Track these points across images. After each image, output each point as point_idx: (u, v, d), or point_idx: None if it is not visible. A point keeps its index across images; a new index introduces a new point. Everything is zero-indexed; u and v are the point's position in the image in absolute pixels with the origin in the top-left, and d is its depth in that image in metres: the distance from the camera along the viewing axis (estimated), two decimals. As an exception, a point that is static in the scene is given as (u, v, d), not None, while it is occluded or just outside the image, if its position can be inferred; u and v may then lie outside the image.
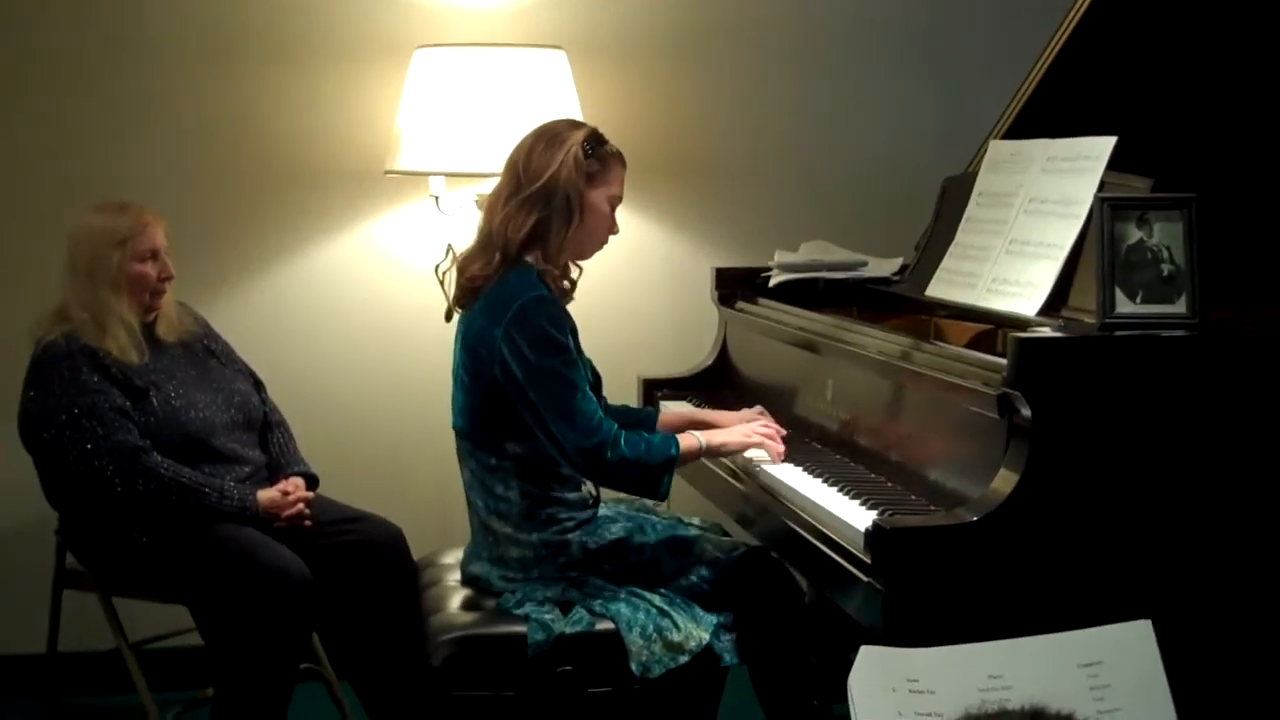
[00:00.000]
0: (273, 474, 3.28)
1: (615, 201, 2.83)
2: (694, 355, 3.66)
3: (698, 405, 3.33)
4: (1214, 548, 2.28)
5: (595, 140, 2.79)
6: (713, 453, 2.85)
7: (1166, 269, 2.36)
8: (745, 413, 3.05)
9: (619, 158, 2.83)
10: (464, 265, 2.81)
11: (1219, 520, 2.28)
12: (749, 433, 2.86)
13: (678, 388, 3.52)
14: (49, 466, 3.14)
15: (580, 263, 2.89)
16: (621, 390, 3.33)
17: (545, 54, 3.66)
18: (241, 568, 2.98)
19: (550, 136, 2.78)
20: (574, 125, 2.84)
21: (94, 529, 3.14)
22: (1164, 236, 2.37)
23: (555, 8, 3.93)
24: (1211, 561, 2.28)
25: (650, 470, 2.71)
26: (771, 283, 3.40)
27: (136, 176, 3.78)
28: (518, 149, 2.81)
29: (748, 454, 2.87)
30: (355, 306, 3.94)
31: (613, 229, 2.86)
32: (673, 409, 3.20)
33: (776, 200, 4.06)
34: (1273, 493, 2.29)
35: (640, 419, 3.06)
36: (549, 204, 2.74)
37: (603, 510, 2.90)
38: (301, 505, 3.17)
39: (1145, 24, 3.00)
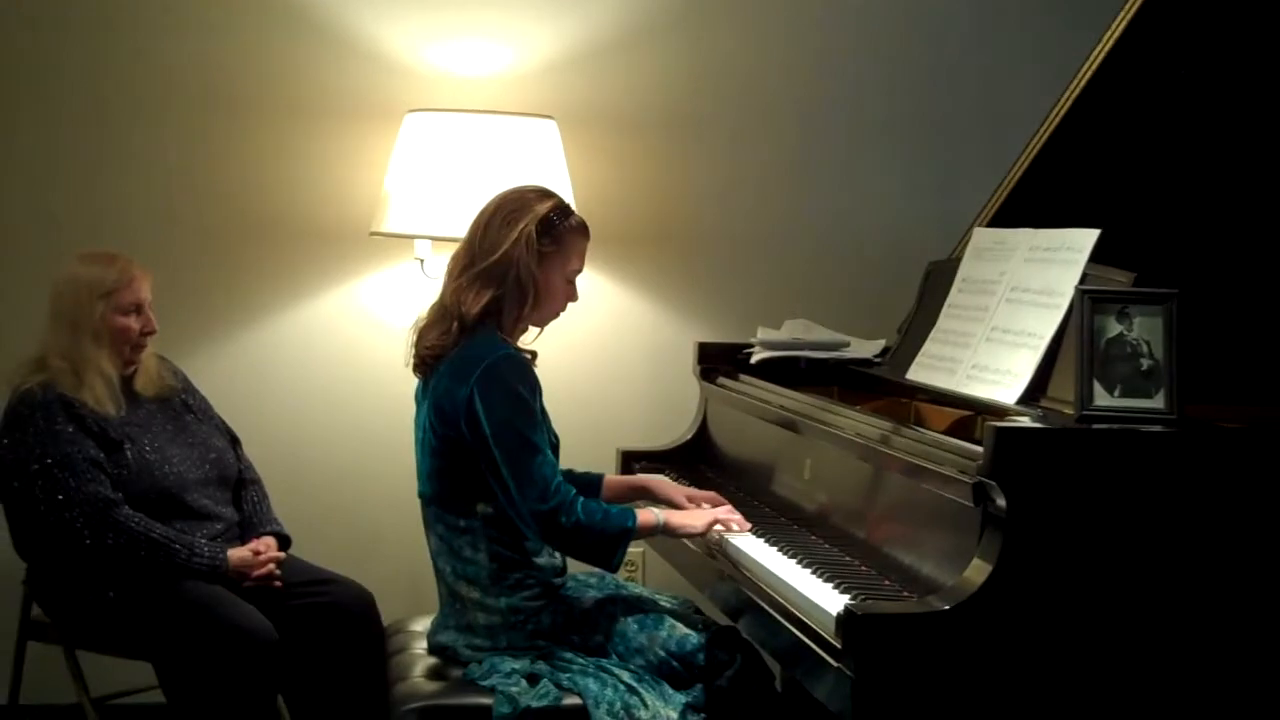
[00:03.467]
0: (245, 532, 3.26)
1: (574, 275, 2.83)
2: (674, 429, 3.65)
3: (674, 478, 3.33)
4: (1188, 644, 2.26)
5: (557, 214, 2.78)
6: (670, 532, 2.84)
7: (1145, 363, 2.37)
8: (694, 491, 3.06)
9: (580, 231, 2.82)
10: (422, 334, 2.81)
11: (1193, 616, 2.27)
12: (710, 516, 2.85)
13: (656, 461, 3.51)
14: (19, 516, 3.12)
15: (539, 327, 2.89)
16: (600, 461, 3.32)
17: (536, 123, 3.68)
18: (207, 626, 2.96)
19: (509, 210, 2.77)
20: (540, 196, 2.82)
21: (61, 581, 3.11)
22: (1144, 331, 2.37)
23: (548, 77, 3.96)
24: (1185, 659, 2.27)
25: (605, 540, 2.70)
26: (753, 360, 3.41)
27: (122, 227, 3.79)
28: (479, 216, 2.82)
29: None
30: (336, 366, 3.94)
31: (571, 298, 2.86)
32: (616, 477, 3.21)
33: (762, 277, 4.07)
34: (1247, 589, 2.28)
35: (585, 482, 3.06)
36: (502, 282, 2.74)
37: (574, 580, 2.88)
38: (272, 565, 3.15)
39: (1133, 118, 3.03)
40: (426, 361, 2.79)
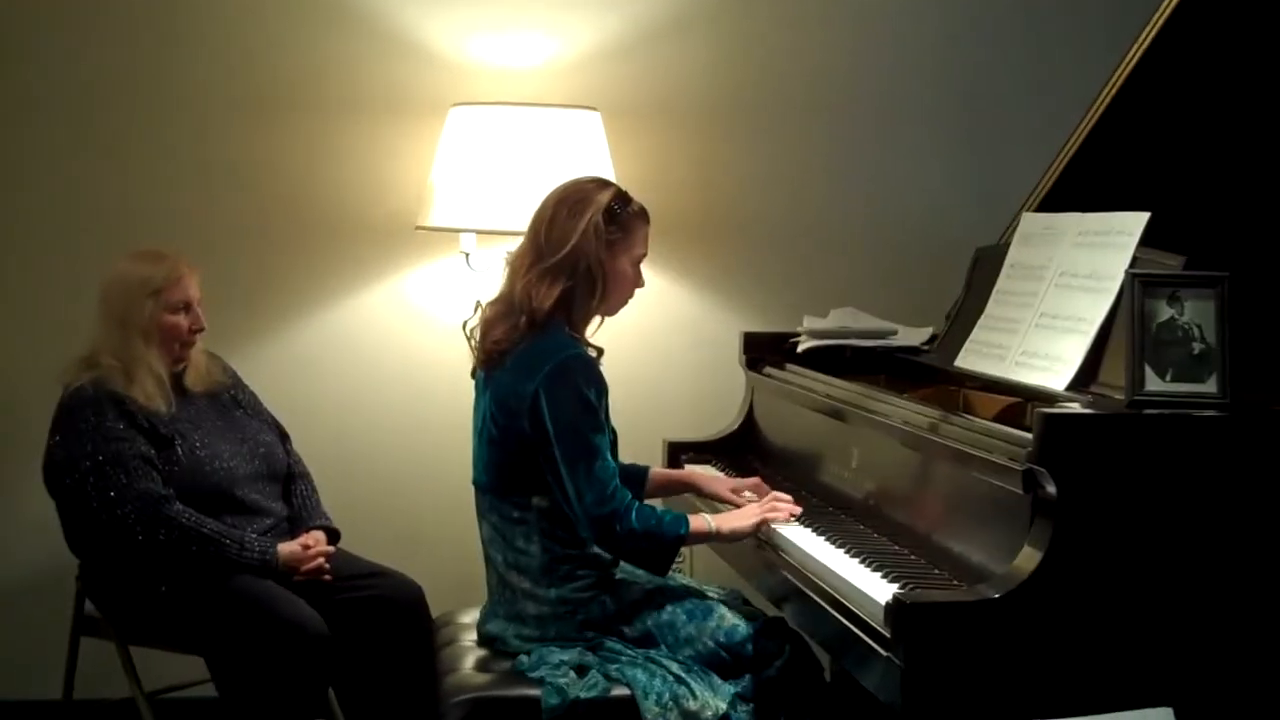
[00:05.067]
0: (294, 526, 3.28)
1: (640, 260, 2.84)
2: (720, 419, 3.64)
3: (721, 469, 3.32)
4: (1239, 633, 2.23)
5: (619, 202, 2.79)
6: (723, 538, 2.84)
7: (1197, 347, 2.34)
8: (738, 482, 3.06)
9: (642, 216, 2.83)
10: (487, 329, 2.81)
11: (1245, 604, 2.24)
12: (759, 515, 2.85)
13: (703, 451, 3.50)
14: (72, 512, 3.14)
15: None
16: (646, 453, 3.32)
17: (580, 114, 3.68)
18: (259, 620, 2.97)
19: (573, 203, 2.78)
20: (599, 186, 2.83)
21: (114, 576, 3.14)
22: (1195, 315, 2.34)
23: (591, 69, 3.95)
24: (1235, 648, 2.24)
25: (657, 547, 2.72)
26: (800, 349, 3.39)
27: (168, 224, 3.81)
28: (540, 212, 2.81)
29: None
30: (383, 361, 3.95)
31: (638, 284, 2.86)
32: (663, 471, 3.22)
33: (807, 265, 4.05)
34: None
35: (632, 474, 3.06)
36: (573, 274, 2.75)
37: (622, 570, 2.88)
38: (321, 559, 3.16)
39: (1181, 101, 2.99)
40: (493, 357, 2.79)
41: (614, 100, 3.90)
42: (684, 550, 3.79)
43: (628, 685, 2.64)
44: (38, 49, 3.82)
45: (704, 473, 3.17)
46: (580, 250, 2.74)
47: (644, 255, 2.85)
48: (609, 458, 2.73)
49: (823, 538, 2.74)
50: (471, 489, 2.90)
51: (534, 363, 2.71)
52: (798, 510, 2.87)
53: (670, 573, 2.87)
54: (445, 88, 3.86)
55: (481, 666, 2.79)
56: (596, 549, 2.79)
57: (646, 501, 3.00)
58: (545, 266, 2.75)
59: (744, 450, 3.49)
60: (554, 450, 2.68)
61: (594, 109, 3.72)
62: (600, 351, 2.85)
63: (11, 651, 3.81)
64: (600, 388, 2.73)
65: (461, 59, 3.92)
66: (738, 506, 2.97)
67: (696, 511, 2.91)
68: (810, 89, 4.05)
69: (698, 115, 4.02)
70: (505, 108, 3.66)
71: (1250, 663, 2.24)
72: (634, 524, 2.68)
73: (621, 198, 2.81)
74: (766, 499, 2.92)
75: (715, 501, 3.07)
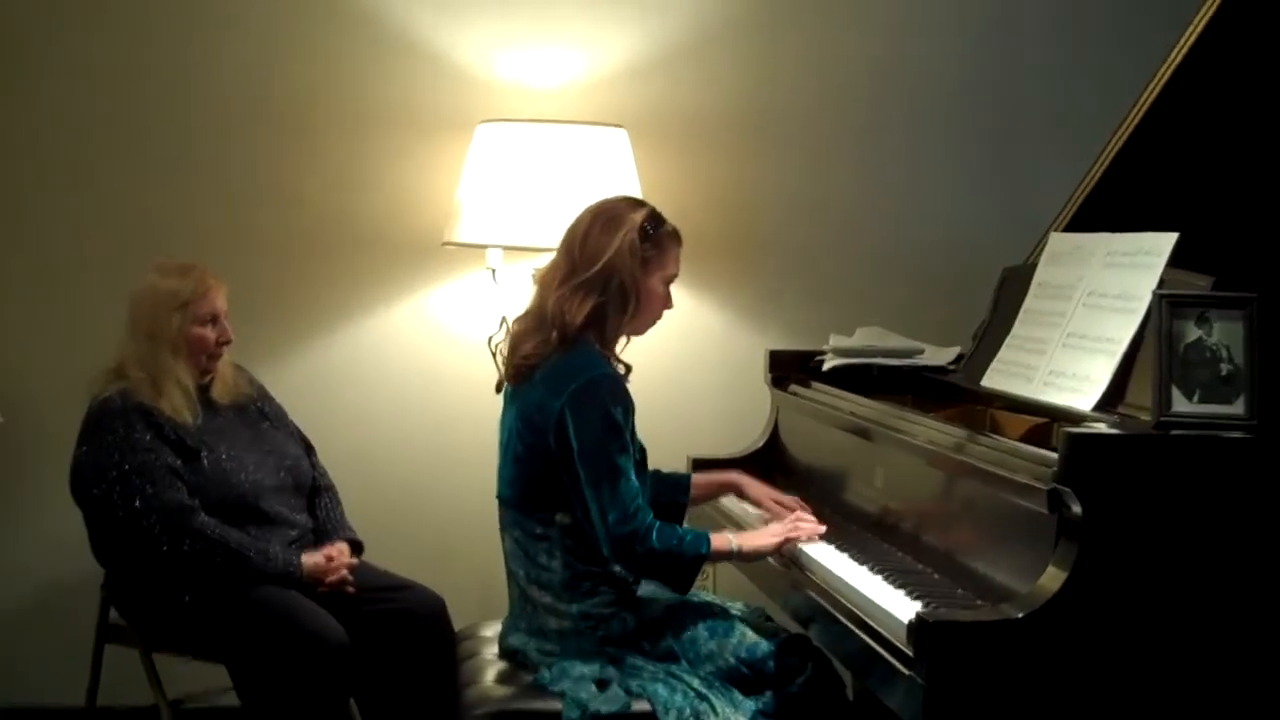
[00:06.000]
0: (319, 538, 3.28)
1: (671, 280, 2.85)
2: (745, 437, 3.64)
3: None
4: (1265, 656, 2.22)
5: (652, 222, 2.80)
6: (745, 557, 2.83)
7: (1225, 369, 2.32)
8: (780, 495, 3.06)
9: (675, 237, 2.84)
10: (517, 343, 2.82)
11: (1271, 627, 2.22)
12: (781, 533, 2.84)
13: (727, 469, 3.48)
14: (98, 522, 3.16)
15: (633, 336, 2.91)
16: (671, 470, 3.31)
17: (606, 132, 3.69)
18: (282, 631, 2.98)
19: (607, 219, 2.79)
20: (633, 205, 2.85)
21: (139, 585, 3.15)
22: (1223, 336, 2.33)
23: (617, 87, 3.96)
24: (1262, 671, 2.22)
25: (678, 567, 2.72)
26: (825, 367, 3.39)
27: (197, 238, 3.83)
28: (574, 228, 2.82)
29: None
30: (408, 375, 3.96)
31: (668, 304, 2.86)
32: (707, 475, 3.22)
33: (833, 284, 4.05)
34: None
35: (673, 484, 3.07)
36: (605, 290, 2.75)
37: (644, 587, 2.88)
38: (345, 571, 3.17)
39: (1210, 121, 2.98)
40: (522, 372, 2.80)
41: (640, 118, 3.91)
42: (707, 568, 3.80)
43: (649, 700, 2.64)
44: (74, 72, 3.86)
45: (748, 478, 3.16)
46: (614, 266, 2.75)
47: (675, 275, 2.86)
48: (633, 477, 2.72)
49: (846, 555, 2.73)
50: (494, 503, 2.90)
51: (561, 379, 2.72)
52: (821, 529, 2.86)
53: (693, 589, 2.86)
54: (473, 105, 3.87)
55: (503, 679, 2.80)
56: (617, 569, 2.79)
57: (691, 507, 3.01)
58: (578, 281, 2.76)
59: (769, 468, 3.48)
60: (578, 468, 2.69)
61: (620, 126, 3.73)
62: (629, 368, 2.86)
63: (36, 659, 3.83)
64: (627, 405, 2.74)
65: (489, 76, 3.94)
66: (773, 516, 2.98)
67: (720, 529, 2.90)
68: (837, 107, 4.05)
69: (724, 133, 4.02)
70: (532, 125, 3.68)
71: (1277, 685, 2.22)
72: (654, 544, 2.68)
73: (655, 217, 2.82)
74: (790, 518, 2.92)
75: (756, 505, 3.08)
